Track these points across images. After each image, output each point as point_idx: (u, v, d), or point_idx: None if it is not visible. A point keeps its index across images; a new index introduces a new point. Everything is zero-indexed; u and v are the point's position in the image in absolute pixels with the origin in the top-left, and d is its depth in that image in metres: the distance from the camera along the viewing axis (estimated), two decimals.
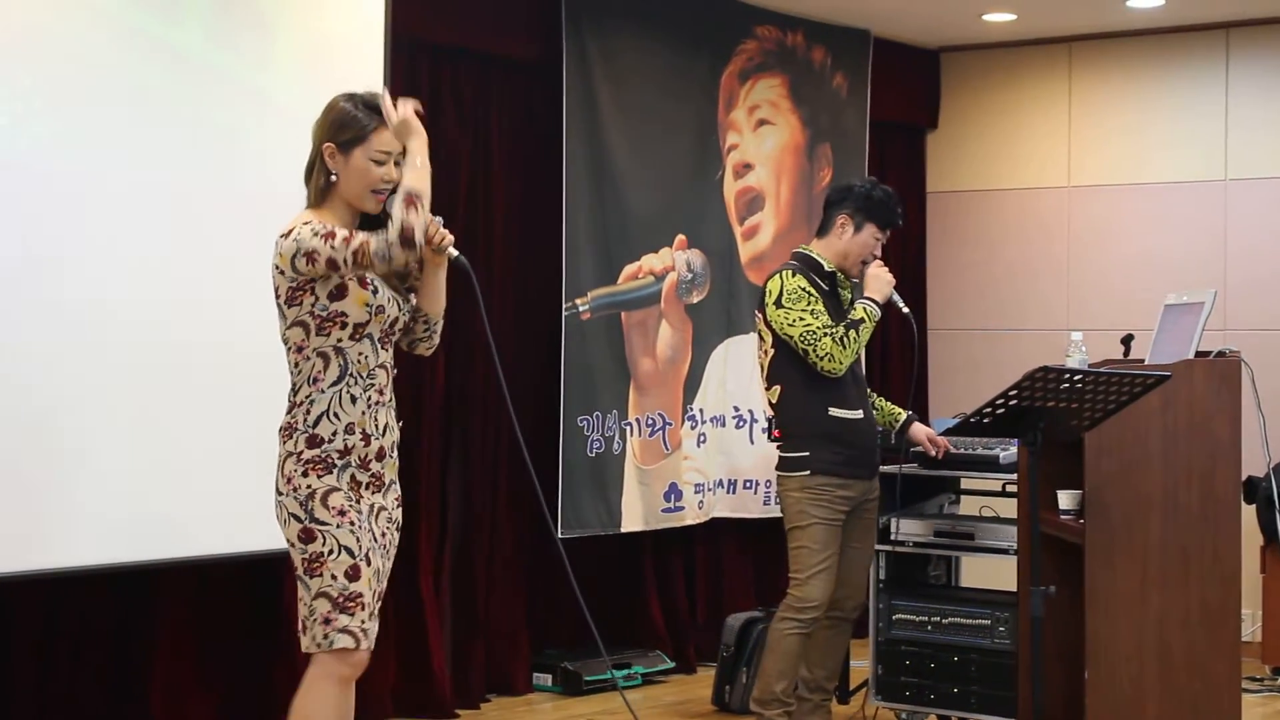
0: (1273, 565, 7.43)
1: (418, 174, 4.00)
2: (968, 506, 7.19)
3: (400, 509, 4.30)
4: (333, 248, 3.98)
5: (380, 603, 4.19)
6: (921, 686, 6.59)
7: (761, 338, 5.83)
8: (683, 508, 7.70)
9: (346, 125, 4.12)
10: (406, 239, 3.92)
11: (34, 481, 5.11)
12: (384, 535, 4.19)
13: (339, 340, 4.09)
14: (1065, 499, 5.58)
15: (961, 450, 6.43)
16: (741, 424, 8.01)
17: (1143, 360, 5.75)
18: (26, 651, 5.51)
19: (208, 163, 5.55)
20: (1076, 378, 4.88)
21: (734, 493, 7.99)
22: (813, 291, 5.71)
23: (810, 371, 5.70)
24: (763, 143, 8.17)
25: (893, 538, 6.69)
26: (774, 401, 5.85)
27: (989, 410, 4.94)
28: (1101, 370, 4.99)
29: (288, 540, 4.10)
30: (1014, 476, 6.32)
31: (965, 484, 7.07)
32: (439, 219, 4.18)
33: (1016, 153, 9.12)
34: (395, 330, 4.22)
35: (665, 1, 7.62)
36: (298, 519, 4.07)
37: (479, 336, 6.95)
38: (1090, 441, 5.32)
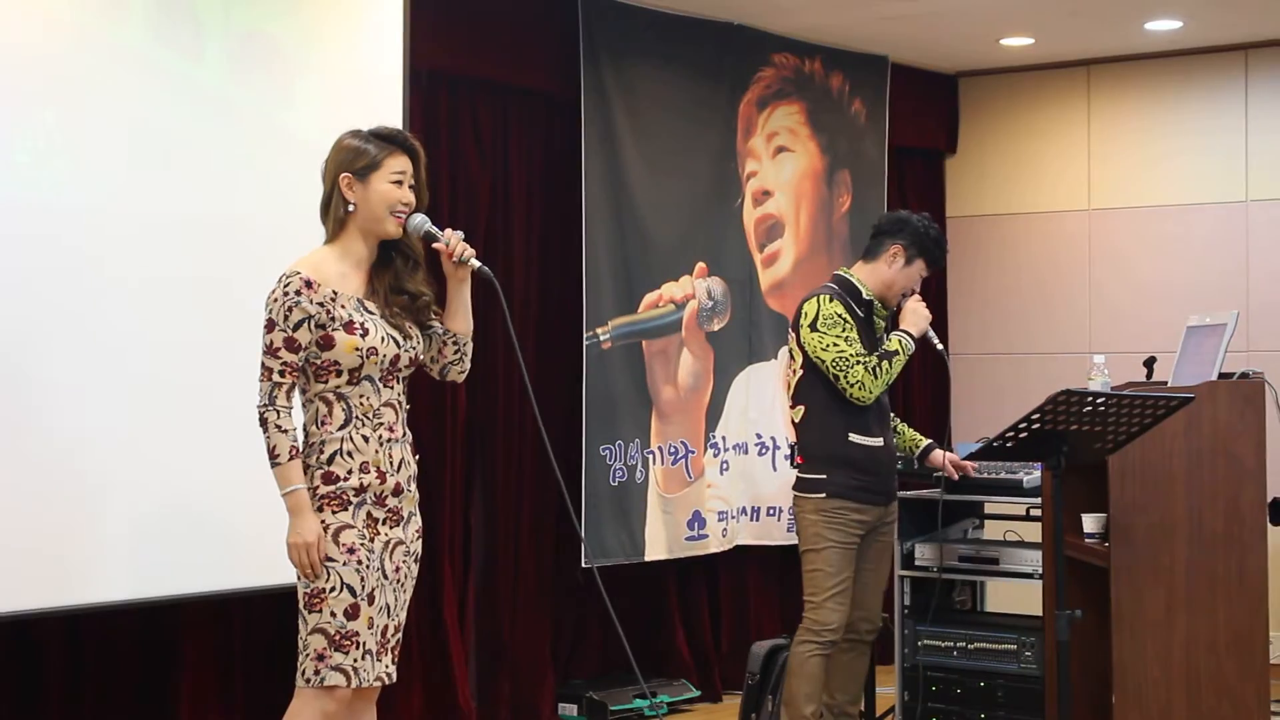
0: None
1: (297, 499, 4.10)
2: (992, 531, 7.18)
3: (420, 540, 4.32)
4: (265, 358, 4.11)
5: (399, 635, 4.22)
6: (948, 712, 6.58)
7: (792, 356, 5.84)
8: (706, 536, 7.69)
9: (359, 155, 4.20)
10: (262, 421, 4.09)
11: (59, 518, 5.11)
12: (398, 570, 4.21)
13: (337, 386, 4.13)
14: (1090, 522, 5.57)
15: (985, 475, 6.42)
16: (764, 451, 8.00)
17: (1166, 383, 5.74)
18: (54, 687, 5.52)
19: (229, 198, 5.56)
20: (1099, 401, 4.87)
21: (757, 520, 7.98)
22: (848, 318, 5.72)
23: (835, 396, 5.70)
24: (781, 170, 8.17)
25: (917, 563, 6.68)
26: (796, 422, 5.86)
27: (1012, 434, 4.93)
28: (1124, 393, 4.98)
29: (296, 572, 4.16)
30: (1038, 500, 6.31)
31: (989, 508, 7.06)
32: (460, 233, 4.24)
33: (1036, 176, 9.12)
34: (399, 368, 4.22)
35: (683, 30, 7.64)
36: None
37: (500, 362, 6.98)
38: (1114, 465, 5.31)
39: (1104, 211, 8.90)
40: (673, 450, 7.56)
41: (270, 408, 4.08)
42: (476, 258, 4.26)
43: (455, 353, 4.39)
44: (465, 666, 6.82)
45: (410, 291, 4.27)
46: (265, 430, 4.08)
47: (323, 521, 4.08)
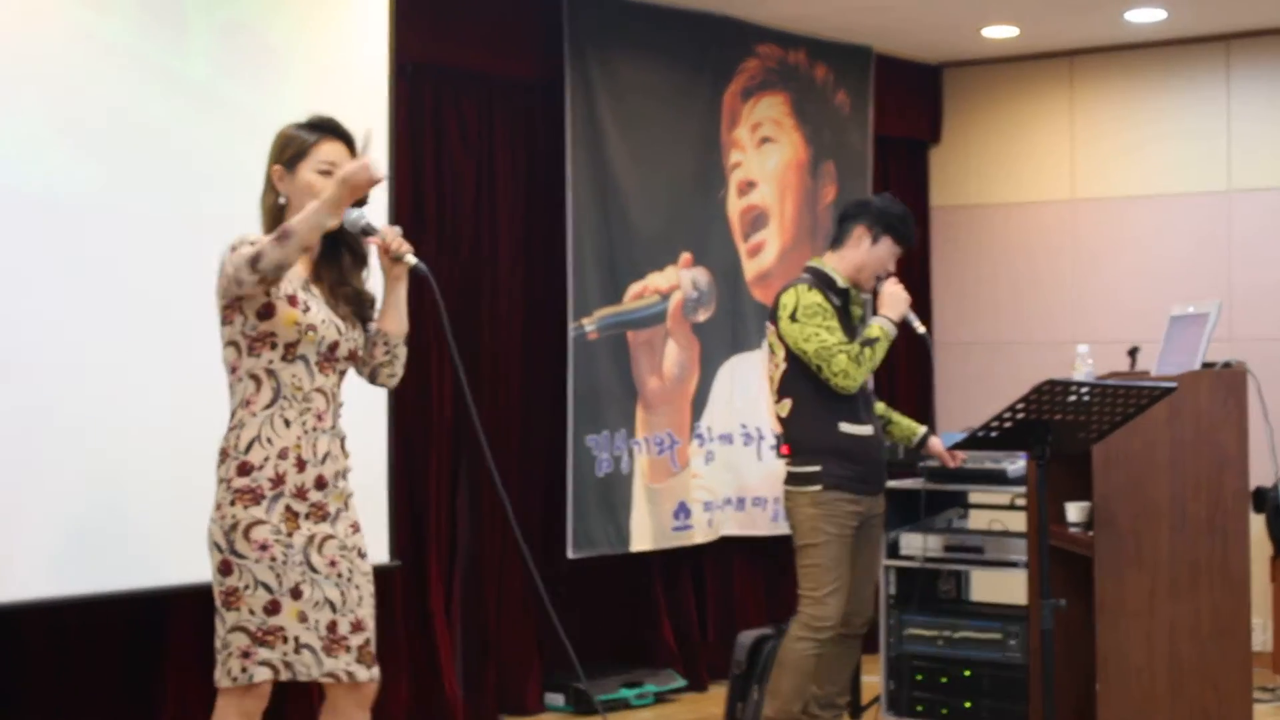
0: None
1: (303, 215, 3.90)
2: (976, 521, 7.21)
3: (358, 535, 4.15)
4: (233, 263, 3.94)
5: (366, 634, 4.09)
6: (933, 701, 6.60)
7: (773, 351, 5.78)
8: (692, 526, 7.71)
9: (289, 144, 4.12)
10: (253, 261, 3.87)
11: (41, 510, 5.12)
12: (334, 564, 4.05)
13: (270, 362, 4.03)
14: (1074, 511, 5.60)
15: (970, 464, 6.43)
16: (749, 441, 8.02)
17: (1149, 372, 5.76)
18: (36, 679, 5.52)
19: (214, 192, 5.54)
20: (1083, 390, 4.89)
21: (743, 510, 8.00)
22: (827, 307, 5.66)
23: (822, 387, 5.66)
24: (766, 160, 8.19)
25: (902, 553, 6.71)
26: (784, 416, 5.80)
27: (996, 424, 4.95)
28: (1108, 383, 5.00)
29: (211, 569, 4.03)
30: (1022, 490, 6.33)
31: (974, 498, 7.09)
32: (398, 228, 4.15)
33: (1019, 166, 9.13)
34: (338, 356, 4.12)
35: (667, 21, 7.64)
36: (219, 549, 4.00)
37: (485, 356, 6.99)
38: (1098, 454, 5.34)
39: (1087, 201, 8.92)
40: (658, 441, 7.58)
41: (239, 270, 3.91)
42: (413, 254, 4.12)
43: (385, 354, 4.25)
44: (452, 657, 6.83)
45: (355, 287, 4.18)
46: (259, 264, 3.86)
47: (234, 517, 3.96)
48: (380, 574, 6.27)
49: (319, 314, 4.07)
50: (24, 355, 5.10)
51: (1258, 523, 7.03)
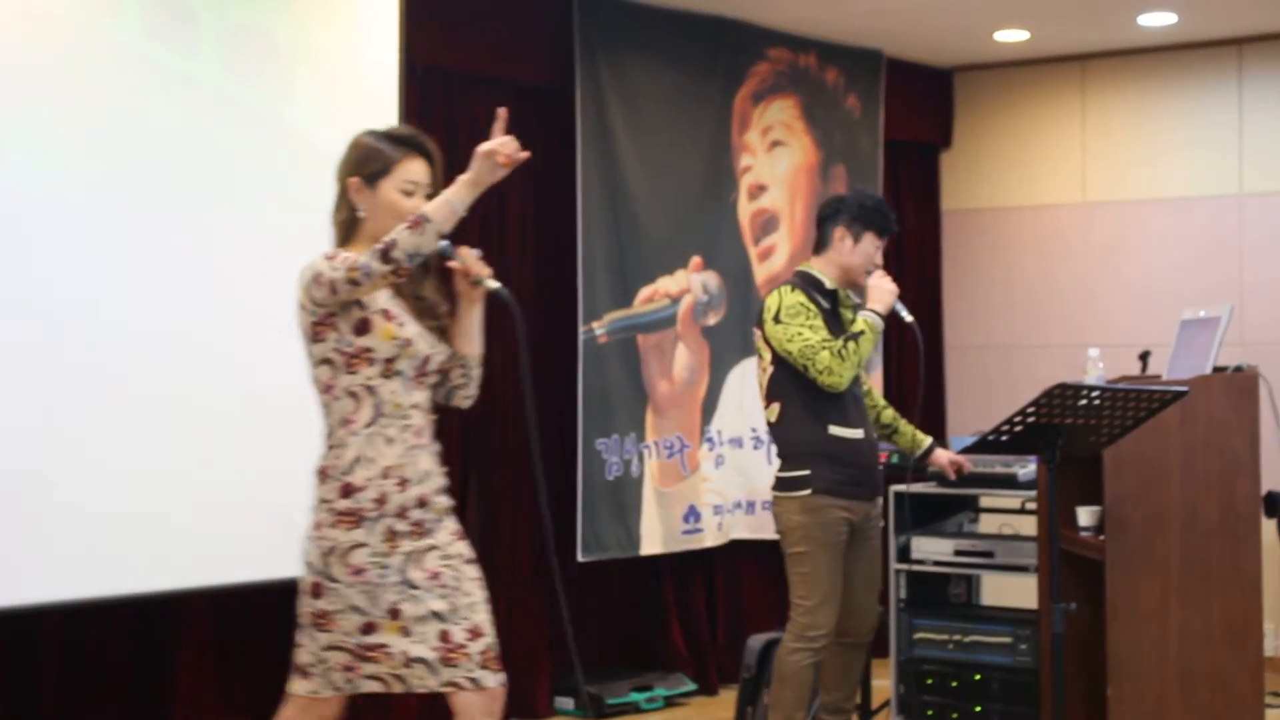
0: None
1: (439, 201, 3.81)
2: (987, 524, 7.20)
3: (463, 542, 4.03)
4: (333, 269, 3.80)
5: (486, 640, 3.99)
6: (944, 705, 6.59)
7: (760, 355, 5.70)
8: (702, 529, 7.70)
9: (371, 158, 3.98)
10: (384, 252, 3.72)
11: (55, 511, 5.13)
12: (437, 576, 3.93)
13: (368, 379, 3.89)
14: (1085, 515, 5.59)
15: (980, 468, 6.42)
16: (759, 445, 8.01)
17: (1160, 376, 5.76)
18: (49, 681, 5.53)
19: (225, 193, 5.56)
20: (1094, 394, 4.88)
21: (753, 513, 7.99)
22: (811, 306, 5.58)
23: (810, 389, 5.56)
24: (776, 164, 8.19)
25: (913, 557, 6.70)
26: (772, 420, 5.69)
27: (1007, 428, 4.93)
28: (1119, 386, 4.99)
29: (300, 584, 3.95)
30: (1033, 494, 6.32)
31: (984, 502, 7.08)
32: (477, 251, 4.04)
33: (1031, 170, 9.13)
34: (429, 369, 4.00)
35: (677, 25, 7.64)
36: (313, 569, 3.91)
37: (496, 358, 6.99)
38: (1109, 458, 5.33)
39: (1099, 205, 8.91)
40: (668, 445, 7.57)
41: (363, 260, 3.76)
42: (492, 278, 4.03)
43: (462, 376, 4.13)
44: None
45: (429, 299, 4.05)
46: (392, 252, 3.73)
47: (333, 539, 3.85)
48: None
49: (412, 328, 3.96)
50: (26, 353, 5.10)
51: (1269, 527, 7.01)
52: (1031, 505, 6.44)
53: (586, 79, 7.23)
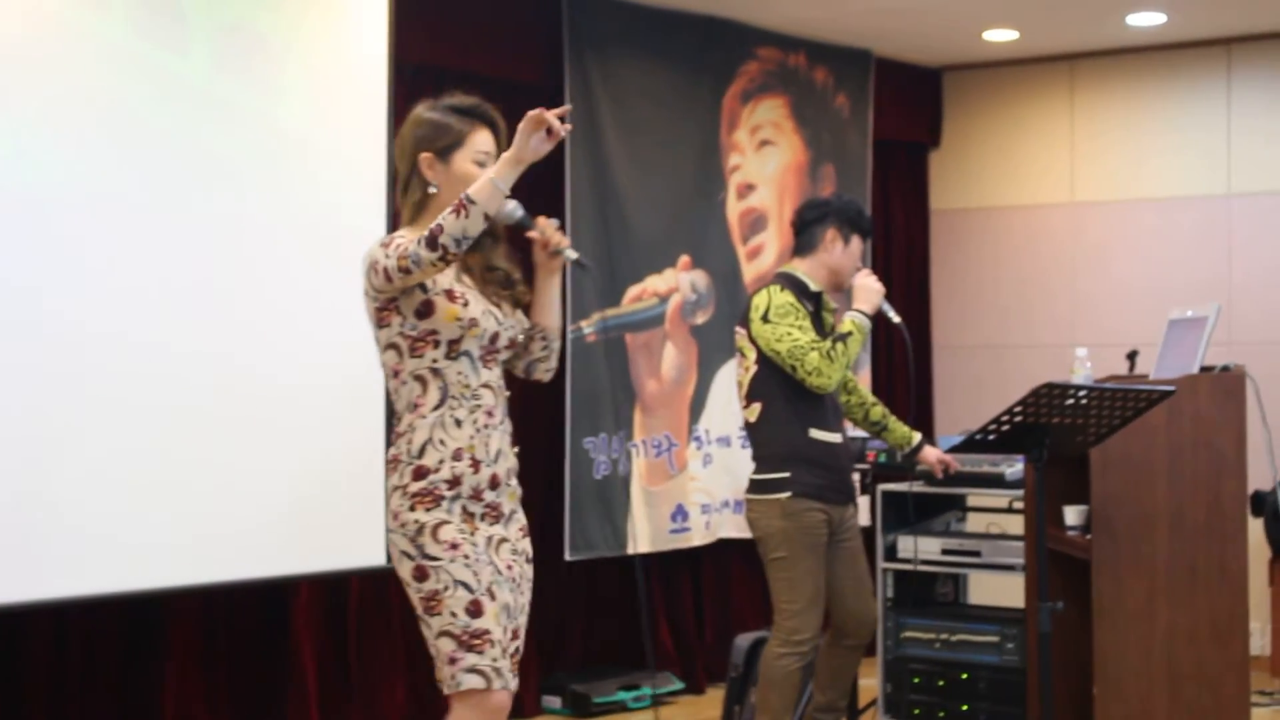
0: None
1: (483, 181, 3.73)
2: (974, 523, 7.20)
3: (528, 540, 4.01)
4: (386, 256, 3.74)
5: (519, 643, 3.94)
6: (930, 704, 6.60)
7: (743, 354, 5.66)
8: (689, 528, 7.70)
9: (442, 132, 3.93)
10: (430, 239, 3.66)
11: (40, 510, 5.12)
12: (510, 569, 3.91)
13: (434, 361, 3.84)
14: (1071, 515, 5.59)
15: (968, 467, 6.42)
16: (747, 444, 7.99)
17: (1147, 375, 5.76)
18: (37, 679, 5.52)
19: (216, 192, 5.55)
20: (1081, 394, 4.89)
21: (741, 512, 7.95)
22: (800, 307, 5.55)
23: (793, 391, 5.53)
24: (765, 163, 8.19)
25: (900, 556, 6.70)
26: (752, 421, 5.66)
27: (994, 427, 4.94)
28: (1106, 386, 5.00)
29: (402, 579, 3.84)
30: (1020, 493, 6.33)
31: (972, 501, 7.09)
32: (555, 220, 4.00)
33: (1020, 170, 9.14)
34: (499, 347, 3.94)
35: (667, 24, 7.64)
36: (409, 556, 3.81)
37: None
38: (1096, 457, 5.33)
39: (1087, 205, 8.92)
40: (656, 443, 7.57)
41: (412, 248, 3.68)
42: (571, 246, 3.99)
43: (543, 349, 4.10)
44: None
45: (503, 269, 4.00)
46: (439, 238, 3.66)
47: (417, 521, 3.78)
48: (376, 577, 6.31)
49: (477, 306, 3.88)
50: (13, 353, 5.08)
51: (1256, 526, 7.03)
52: (1019, 504, 6.44)
53: (576, 77, 7.23)
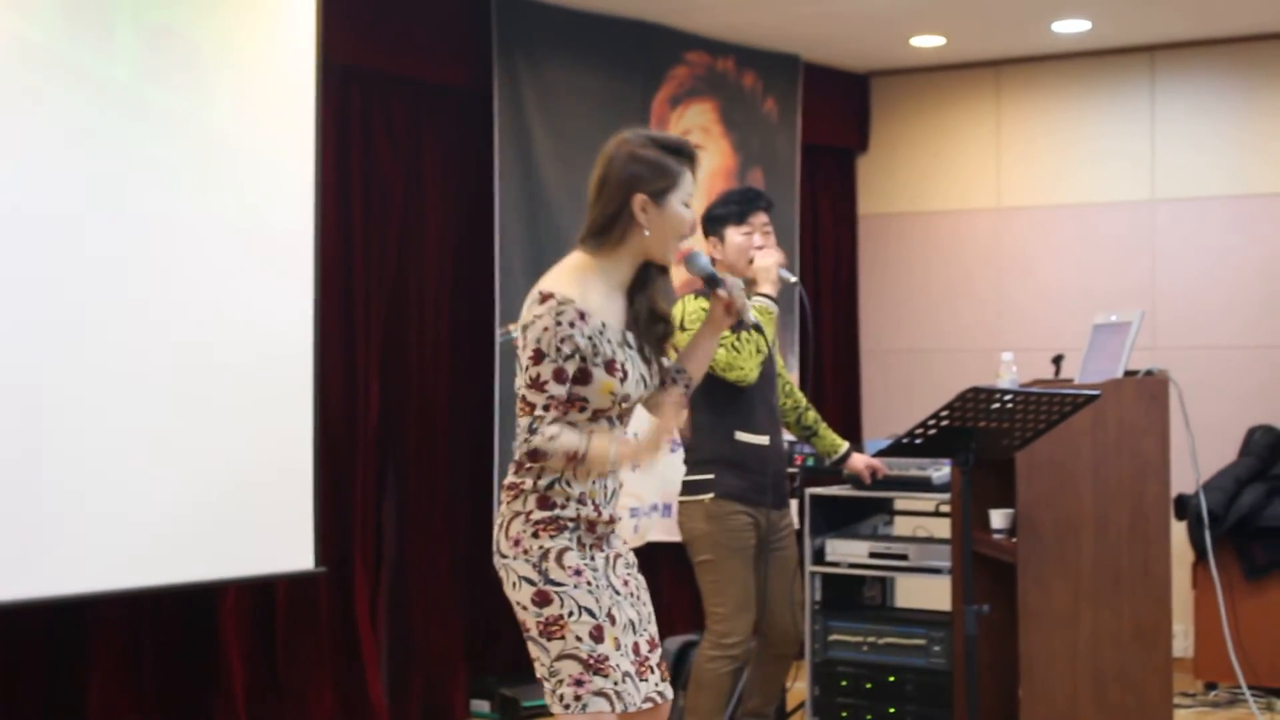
0: (1204, 581, 7.49)
1: (602, 450, 3.74)
2: (901, 527, 7.24)
3: (629, 548, 4.02)
4: (525, 395, 3.71)
5: (659, 651, 3.92)
6: (858, 706, 6.62)
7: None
8: None
9: (661, 173, 3.79)
10: (538, 451, 3.69)
11: None
12: (627, 583, 3.91)
13: (574, 420, 3.76)
14: (997, 518, 5.63)
15: (895, 471, 6.46)
16: (676, 448, 7.99)
17: (1072, 380, 5.80)
18: None
19: (142, 196, 5.49)
20: (1007, 398, 4.91)
21: (669, 516, 7.99)
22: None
23: (716, 394, 5.55)
24: None
25: (827, 559, 6.72)
26: (680, 425, 5.71)
27: (921, 431, 4.96)
28: (1031, 390, 5.03)
29: (517, 603, 3.78)
30: (947, 497, 6.36)
31: (899, 504, 7.12)
32: (739, 282, 3.96)
33: (946, 175, 9.19)
34: (633, 406, 3.89)
35: (596, 27, 7.64)
36: (530, 582, 3.75)
37: (413, 358, 6.97)
38: (1021, 461, 5.37)
39: (1013, 210, 8.98)
40: None
41: (531, 439, 3.69)
42: (749, 312, 3.97)
43: (682, 391, 4.02)
44: (377, 664, 6.79)
45: (666, 318, 3.89)
46: (547, 455, 3.69)
47: (542, 547, 3.75)
48: (304, 581, 6.28)
49: (633, 377, 3.82)
50: None
51: (1179, 530, 7.10)
52: (945, 508, 6.48)
53: (505, 81, 7.22)
